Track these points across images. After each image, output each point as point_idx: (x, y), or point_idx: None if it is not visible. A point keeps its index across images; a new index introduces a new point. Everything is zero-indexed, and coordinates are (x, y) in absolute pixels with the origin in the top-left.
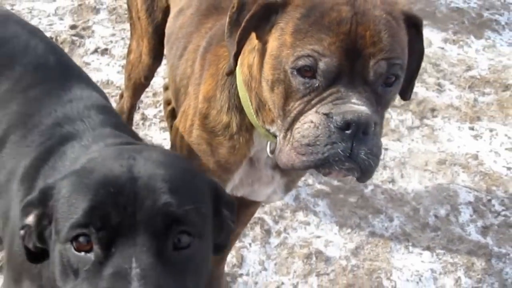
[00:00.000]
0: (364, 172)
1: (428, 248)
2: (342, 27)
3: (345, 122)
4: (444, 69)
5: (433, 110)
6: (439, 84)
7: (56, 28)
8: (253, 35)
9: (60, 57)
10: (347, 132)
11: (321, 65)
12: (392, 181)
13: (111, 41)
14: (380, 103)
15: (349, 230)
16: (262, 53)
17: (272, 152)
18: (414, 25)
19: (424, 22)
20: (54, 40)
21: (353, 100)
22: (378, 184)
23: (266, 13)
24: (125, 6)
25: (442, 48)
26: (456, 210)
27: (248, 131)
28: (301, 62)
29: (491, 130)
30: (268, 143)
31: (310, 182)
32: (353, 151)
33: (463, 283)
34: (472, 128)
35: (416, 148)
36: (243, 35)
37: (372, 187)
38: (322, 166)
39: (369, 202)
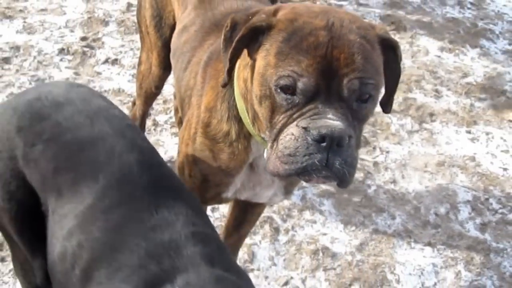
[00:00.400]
0: (341, 179)
1: (429, 244)
2: (319, 50)
3: (320, 135)
4: (441, 76)
5: (431, 115)
6: (436, 91)
7: (67, 40)
8: (246, 51)
9: (146, 167)
10: (323, 144)
11: (300, 84)
12: (394, 181)
13: (121, 52)
14: (356, 118)
15: (353, 228)
16: (252, 69)
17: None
18: (390, 47)
19: (421, 32)
20: (65, 51)
21: (329, 116)
22: (381, 185)
23: (254, 34)
24: (133, 18)
25: (439, 56)
26: (455, 209)
27: (246, 138)
28: (282, 82)
29: (487, 134)
30: (265, 149)
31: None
32: (328, 161)
33: (463, 276)
34: (469, 132)
35: (416, 151)
36: (234, 53)
37: (375, 187)
38: (302, 174)
39: (372, 201)
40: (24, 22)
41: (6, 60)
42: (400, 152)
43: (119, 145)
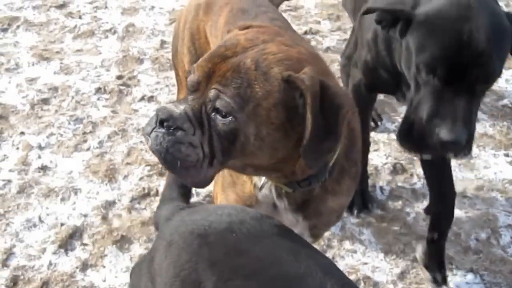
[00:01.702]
0: (157, 155)
1: (471, 270)
2: (216, 59)
3: (156, 110)
4: None
5: None
6: None
7: (103, 79)
8: None
9: None
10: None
11: (188, 78)
12: None
13: (156, 89)
14: (215, 129)
15: (394, 256)
16: None
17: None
18: (296, 89)
19: None
20: (102, 90)
21: (180, 106)
22: (420, 212)
23: None
24: (167, 55)
25: None
26: (496, 233)
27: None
28: (188, 72)
29: None
30: (270, 188)
31: (355, 213)
32: (151, 134)
33: None
34: (507, 155)
35: (454, 176)
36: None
37: (414, 214)
38: (144, 136)
39: (412, 229)
40: (61, 63)
41: (45, 101)
42: None
43: (329, 284)
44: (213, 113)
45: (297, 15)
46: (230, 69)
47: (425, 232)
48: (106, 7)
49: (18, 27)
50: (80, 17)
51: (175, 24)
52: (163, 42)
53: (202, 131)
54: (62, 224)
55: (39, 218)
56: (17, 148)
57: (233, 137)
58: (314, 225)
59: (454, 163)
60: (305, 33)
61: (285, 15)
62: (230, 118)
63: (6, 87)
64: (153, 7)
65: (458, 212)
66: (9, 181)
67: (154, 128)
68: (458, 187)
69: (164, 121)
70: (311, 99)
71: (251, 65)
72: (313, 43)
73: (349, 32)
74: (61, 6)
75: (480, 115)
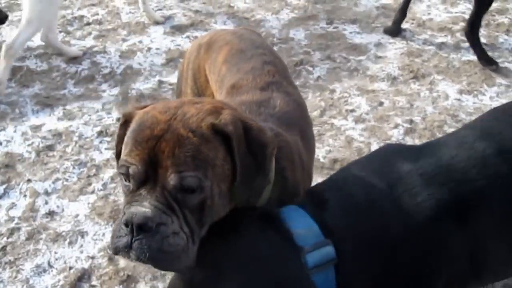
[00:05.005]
0: (148, 262)
1: None
2: (150, 142)
3: (125, 220)
4: (463, 119)
5: None
6: None
7: (105, 122)
8: None
9: None
10: (128, 229)
11: (130, 171)
12: None
13: None
14: (186, 207)
15: None
16: None
17: None
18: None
19: (439, 77)
20: (104, 133)
21: (144, 203)
22: None
23: (126, 124)
24: (164, 95)
25: (459, 100)
26: None
27: None
28: (120, 169)
29: None
30: None
31: None
32: (132, 244)
33: None
34: None
35: None
36: (119, 141)
37: None
38: (119, 253)
39: None
40: (64, 109)
41: (50, 148)
42: None
43: None
44: (179, 194)
45: (287, 47)
46: (174, 146)
47: None
48: (105, 52)
49: (21, 76)
50: (80, 63)
51: (179, 65)
52: (160, 82)
53: (176, 215)
54: (70, 268)
55: (48, 263)
56: (25, 196)
57: (202, 206)
58: None
59: None
60: (296, 64)
61: (276, 47)
62: (198, 190)
63: (12, 136)
64: (149, 49)
65: None
66: (18, 228)
67: (132, 238)
68: None
69: (143, 225)
70: (236, 142)
71: (187, 133)
72: (303, 73)
73: (338, 61)
74: (62, 54)
75: None
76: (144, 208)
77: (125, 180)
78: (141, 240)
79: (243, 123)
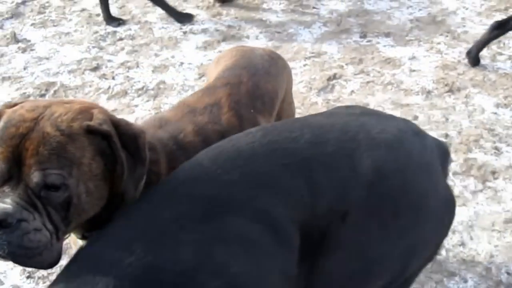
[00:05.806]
0: (8, 257)
1: None
2: (14, 140)
3: None
4: (500, 133)
5: (493, 172)
6: (496, 148)
7: None
8: None
9: None
10: None
11: None
12: (462, 244)
13: None
14: (50, 205)
15: None
16: None
17: None
18: (105, 137)
19: (475, 90)
20: None
21: (6, 200)
22: (450, 248)
23: None
24: None
25: (495, 113)
26: None
27: None
28: None
29: None
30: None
31: None
32: None
33: None
34: None
35: (482, 210)
36: None
37: (444, 251)
38: None
39: (442, 266)
40: None
41: None
42: (466, 213)
43: None
44: (42, 191)
45: (320, 61)
46: (39, 144)
47: (456, 268)
48: (137, 67)
49: (55, 92)
50: (113, 78)
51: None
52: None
53: (39, 213)
54: None
55: None
56: None
57: (68, 204)
58: None
59: (481, 197)
60: (329, 78)
61: (308, 61)
62: (62, 188)
63: None
64: (182, 63)
65: (488, 247)
66: None
67: None
68: (486, 221)
69: (3, 221)
70: (115, 138)
71: (54, 131)
72: (337, 87)
73: (372, 75)
74: (95, 69)
75: (504, 147)
76: (5, 204)
77: None
78: (0, 236)
79: (112, 121)
